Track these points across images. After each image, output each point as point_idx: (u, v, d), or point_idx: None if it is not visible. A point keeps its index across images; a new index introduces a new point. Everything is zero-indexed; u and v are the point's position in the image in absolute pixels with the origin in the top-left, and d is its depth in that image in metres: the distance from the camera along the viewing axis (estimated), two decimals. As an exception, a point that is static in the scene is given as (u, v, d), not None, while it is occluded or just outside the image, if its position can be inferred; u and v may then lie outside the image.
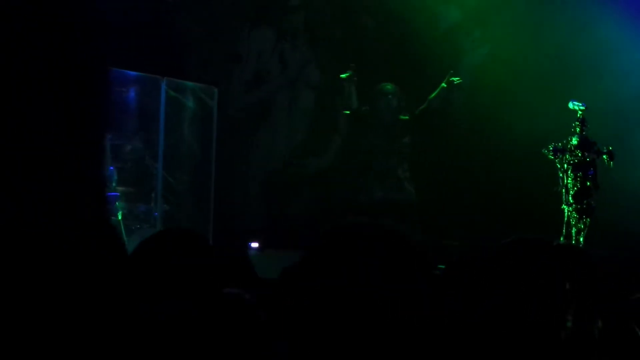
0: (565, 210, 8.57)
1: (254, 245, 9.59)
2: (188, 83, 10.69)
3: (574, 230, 8.53)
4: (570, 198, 8.54)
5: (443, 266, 6.49)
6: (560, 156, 8.61)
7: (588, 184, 8.54)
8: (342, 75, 10.33)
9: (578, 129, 8.65)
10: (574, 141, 8.61)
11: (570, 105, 8.71)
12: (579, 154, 8.56)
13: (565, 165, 8.58)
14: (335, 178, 10.79)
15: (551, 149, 8.61)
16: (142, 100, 10.14)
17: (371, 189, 10.36)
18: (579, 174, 8.54)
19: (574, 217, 8.53)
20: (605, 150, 8.61)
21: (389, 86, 10.51)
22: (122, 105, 9.99)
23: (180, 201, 10.20)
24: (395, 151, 10.43)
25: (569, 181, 8.57)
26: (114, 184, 9.04)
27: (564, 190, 8.59)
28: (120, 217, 9.23)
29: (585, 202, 8.52)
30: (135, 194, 9.97)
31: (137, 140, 9.99)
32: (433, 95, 10.30)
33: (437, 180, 10.91)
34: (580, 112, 8.67)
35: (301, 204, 11.16)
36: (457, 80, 10.16)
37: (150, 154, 10.00)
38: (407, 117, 10.46)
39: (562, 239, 8.51)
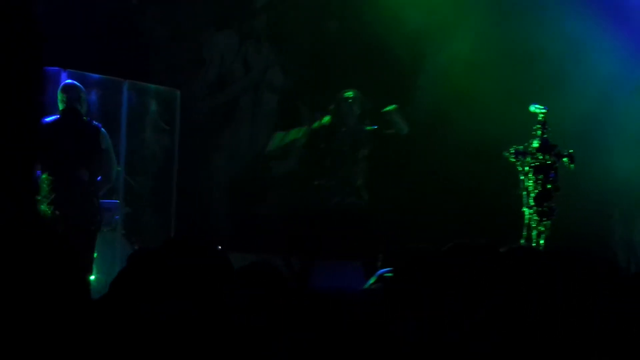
0: (526, 213, 8.60)
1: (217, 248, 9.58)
2: (151, 86, 10.65)
3: (534, 232, 8.57)
4: (531, 200, 8.57)
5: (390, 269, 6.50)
6: (522, 159, 8.63)
7: (549, 186, 8.57)
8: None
9: (539, 132, 8.69)
10: (535, 144, 8.64)
11: (532, 108, 8.75)
12: (540, 157, 8.59)
13: (526, 168, 8.61)
14: (298, 182, 10.78)
15: (512, 151, 8.64)
16: (104, 103, 10.09)
17: (331, 194, 10.37)
18: (540, 176, 8.57)
19: (534, 219, 8.56)
20: (566, 153, 8.65)
21: (351, 92, 10.54)
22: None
23: (142, 204, 10.17)
24: (356, 157, 10.45)
25: (529, 184, 8.60)
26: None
27: (524, 192, 8.62)
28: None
29: (545, 204, 8.56)
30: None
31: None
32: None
33: (398, 185, 10.92)
34: (541, 115, 8.70)
35: (264, 207, 11.15)
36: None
37: (112, 157, 9.95)
38: (370, 127, 10.49)
39: (522, 241, 8.55)
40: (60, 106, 8.27)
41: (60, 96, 8.33)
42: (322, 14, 11.90)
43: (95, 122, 8.38)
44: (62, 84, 8.43)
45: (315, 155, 10.52)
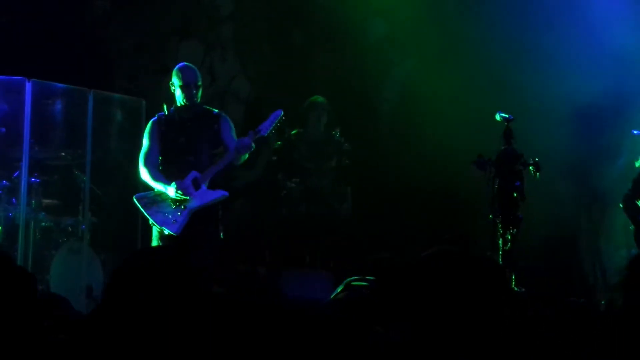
0: (493, 221, 8.62)
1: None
2: (116, 95, 10.61)
3: (500, 240, 8.59)
4: (497, 209, 8.60)
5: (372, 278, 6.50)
6: (488, 167, 8.66)
7: (515, 195, 8.60)
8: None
9: (505, 141, 8.72)
10: (501, 152, 8.67)
11: (497, 116, 8.77)
12: (506, 164, 8.62)
13: (493, 175, 8.64)
14: (264, 191, 10.79)
15: (478, 159, 8.67)
16: (69, 112, 10.04)
17: (298, 203, 10.38)
18: (507, 183, 8.61)
19: (501, 227, 8.59)
20: (531, 162, 8.69)
21: (319, 99, 10.55)
22: (48, 118, 9.89)
23: (108, 214, 10.12)
24: (323, 165, 10.46)
25: (496, 192, 8.62)
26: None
27: (491, 201, 8.65)
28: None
29: (512, 213, 8.59)
30: (62, 206, 9.87)
31: (64, 153, 9.89)
32: None
33: (364, 192, 10.95)
34: (507, 124, 8.74)
35: (230, 216, 11.13)
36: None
37: (77, 167, 9.90)
38: (337, 136, 10.51)
39: (489, 249, 8.57)
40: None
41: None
42: (287, 24, 11.91)
43: None
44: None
45: (283, 163, 10.53)
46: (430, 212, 10.88)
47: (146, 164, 8.13)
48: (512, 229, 8.59)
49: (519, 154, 8.69)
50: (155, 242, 8.06)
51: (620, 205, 8.80)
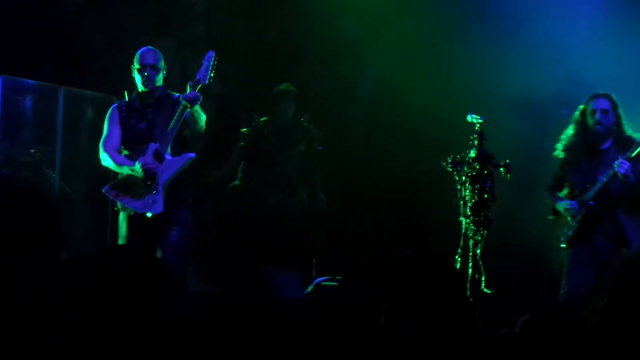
0: (463, 223, 8.64)
1: (153, 256, 9.49)
2: (87, 92, 10.56)
3: (471, 242, 8.61)
4: (467, 210, 8.61)
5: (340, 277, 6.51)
6: (459, 168, 8.68)
7: (485, 196, 8.62)
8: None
9: (476, 142, 8.73)
10: (472, 154, 8.68)
11: (469, 118, 8.79)
12: (477, 167, 8.64)
13: (463, 178, 8.65)
14: (234, 186, 10.75)
15: (449, 161, 8.68)
16: (40, 108, 9.99)
17: (265, 194, 10.39)
18: (477, 186, 8.62)
19: (471, 229, 8.60)
20: (502, 163, 8.71)
21: (288, 87, 10.59)
22: (18, 114, 9.84)
23: (77, 211, 10.07)
24: (291, 156, 10.48)
25: (466, 193, 8.64)
26: None
27: (461, 202, 8.66)
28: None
29: (482, 214, 8.61)
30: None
31: (33, 149, 9.84)
32: None
33: (335, 189, 10.95)
34: (478, 125, 8.75)
35: (201, 214, 11.10)
36: None
37: (47, 163, 9.85)
38: (306, 124, 10.53)
39: (459, 250, 8.59)
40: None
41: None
42: (260, 22, 11.89)
43: None
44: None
45: (251, 155, 10.54)
46: (399, 212, 10.88)
47: (106, 149, 7.91)
48: (483, 231, 8.61)
49: (490, 155, 8.72)
50: (123, 228, 7.87)
51: (546, 196, 8.81)
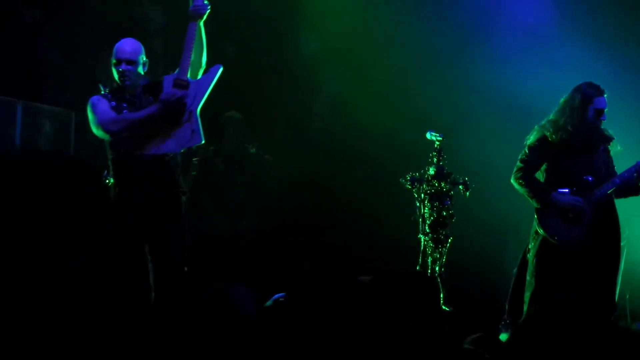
0: (422, 240, 8.67)
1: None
2: (45, 107, 10.48)
3: (429, 259, 8.64)
4: (426, 227, 8.65)
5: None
6: (418, 186, 8.72)
7: (444, 213, 8.66)
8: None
9: (435, 159, 8.78)
10: (431, 171, 8.74)
11: (428, 135, 8.84)
12: (436, 184, 8.69)
13: (422, 195, 8.70)
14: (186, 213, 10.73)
15: (408, 178, 8.73)
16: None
17: (217, 219, 10.38)
18: (436, 203, 8.66)
19: (430, 246, 8.65)
20: (461, 181, 8.76)
21: (235, 115, 10.62)
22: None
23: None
24: (242, 180, 10.48)
25: (425, 211, 8.68)
26: None
27: (420, 219, 8.70)
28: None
29: (441, 231, 8.65)
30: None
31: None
32: None
33: (292, 208, 10.94)
34: (437, 143, 8.81)
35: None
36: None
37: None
38: (254, 150, 10.55)
39: (418, 267, 8.61)
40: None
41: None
42: (219, 38, 11.85)
43: None
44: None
45: (201, 180, 10.53)
46: (358, 229, 10.90)
47: (117, 116, 7.05)
48: (441, 248, 8.65)
49: (449, 172, 8.76)
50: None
51: (514, 183, 7.83)
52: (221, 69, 7.26)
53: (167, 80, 7.06)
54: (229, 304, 8.68)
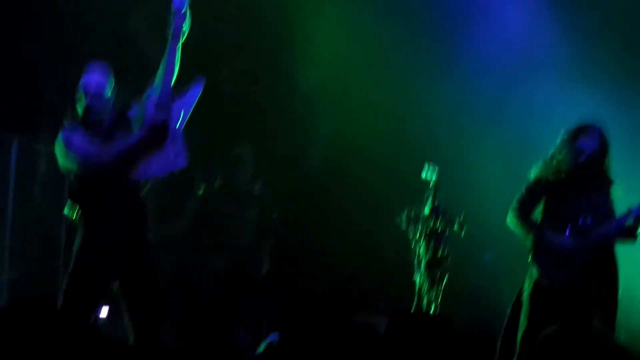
0: (417, 279, 8.64)
1: (104, 310, 9.35)
2: (41, 143, 10.49)
3: (425, 299, 8.60)
4: (422, 267, 8.61)
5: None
6: (413, 225, 8.69)
7: (440, 253, 8.63)
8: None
9: (430, 198, 8.75)
10: (427, 210, 8.70)
11: (423, 174, 8.81)
12: (431, 223, 8.65)
13: (418, 235, 8.66)
14: (188, 245, 10.72)
15: (404, 218, 8.70)
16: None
17: (222, 256, 10.37)
18: (431, 243, 8.63)
19: (425, 286, 8.61)
20: (456, 221, 8.73)
21: (245, 150, 10.61)
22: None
23: (28, 266, 9.95)
24: (247, 217, 10.47)
25: (421, 251, 8.65)
26: None
27: (415, 259, 8.67)
28: None
29: (437, 271, 8.61)
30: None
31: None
32: None
33: (291, 242, 10.93)
34: (432, 182, 8.77)
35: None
36: None
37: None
38: (259, 190, 10.56)
39: (413, 307, 8.57)
40: None
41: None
42: (215, 74, 11.86)
43: None
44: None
45: (207, 216, 10.52)
46: (354, 269, 10.86)
47: (101, 149, 6.86)
48: (437, 288, 8.61)
49: (444, 211, 8.73)
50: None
51: (509, 222, 7.70)
52: (201, 88, 7.14)
53: (150, 104, 6.87)
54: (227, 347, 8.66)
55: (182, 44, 7.23)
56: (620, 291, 7.76)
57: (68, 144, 6.89)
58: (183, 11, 7.02)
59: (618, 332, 8.38)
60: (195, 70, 11.73)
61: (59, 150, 6.99)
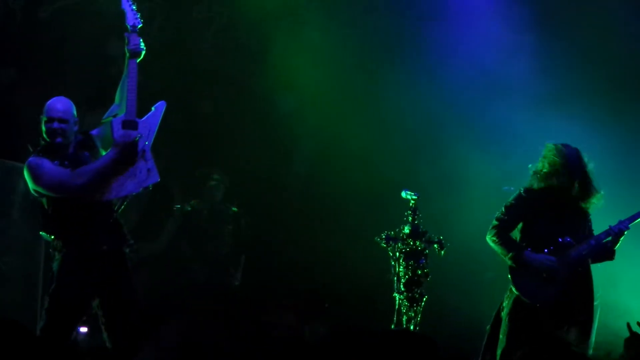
0: (397, 298, 8.66)
1: (83, 329, 9.33)
2: (19, 164, 10.46)
3: (404, 318, 8.63)
4: (401, 286, 8.64)
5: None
6: (393, 244, 8.72)
7: (419, 272, 8.66)
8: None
9: (410, 218, 8.80)
10: (406, 230, 8.74)
11: (403, 194, 8.86)
12: (411, 243, 8.69)
13: (397, 254, 8.70)
14: (166, 262, 10.76)
15: (384, 237, 8.73)
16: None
17: (197, 273, 10.42)
18: (411, 262, 8.67)
19: (405, 305, 8.63)
20: (436, 240, 8.77)
21: (215, 176, 10.74)
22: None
23: (9, 286, 9.90)
24: (221, 237, 10.55)
25: (400, 269, 8.68)
26: None
27: (395, 278, 8.69)
28: None
29: (416, 290, 8.64)
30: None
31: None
32: None
33: (269, 265, 10.96)
34: (412, 201, 8.82)
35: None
36: None
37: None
38: (235, 209, 10.66)
39: (392, 326, 8.59)
40: None
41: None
42: (196, 95, 11.91)
43: None
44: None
45: (183, 236, 10.59)
46: (333, 289, 10.89)
47: (74, 171, 6.89)
48: (416, 307, 8.64)
49: (424, 231, 8.77)
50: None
51: (489, 240, 7.74)
52: (165, 105, 7.25)
53: (116, 123, 6.96)
54: None
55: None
56: (596, 300, 7.86)
57: (39, 170, 6.95)
58: (138, 27, 7.12)
59: (596, 350, 8.47)
60: (174, 92, 11.84)
61: (28, 175, 7.02)
